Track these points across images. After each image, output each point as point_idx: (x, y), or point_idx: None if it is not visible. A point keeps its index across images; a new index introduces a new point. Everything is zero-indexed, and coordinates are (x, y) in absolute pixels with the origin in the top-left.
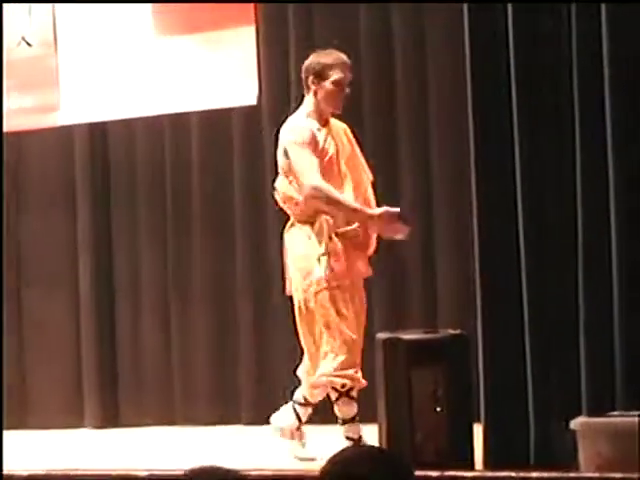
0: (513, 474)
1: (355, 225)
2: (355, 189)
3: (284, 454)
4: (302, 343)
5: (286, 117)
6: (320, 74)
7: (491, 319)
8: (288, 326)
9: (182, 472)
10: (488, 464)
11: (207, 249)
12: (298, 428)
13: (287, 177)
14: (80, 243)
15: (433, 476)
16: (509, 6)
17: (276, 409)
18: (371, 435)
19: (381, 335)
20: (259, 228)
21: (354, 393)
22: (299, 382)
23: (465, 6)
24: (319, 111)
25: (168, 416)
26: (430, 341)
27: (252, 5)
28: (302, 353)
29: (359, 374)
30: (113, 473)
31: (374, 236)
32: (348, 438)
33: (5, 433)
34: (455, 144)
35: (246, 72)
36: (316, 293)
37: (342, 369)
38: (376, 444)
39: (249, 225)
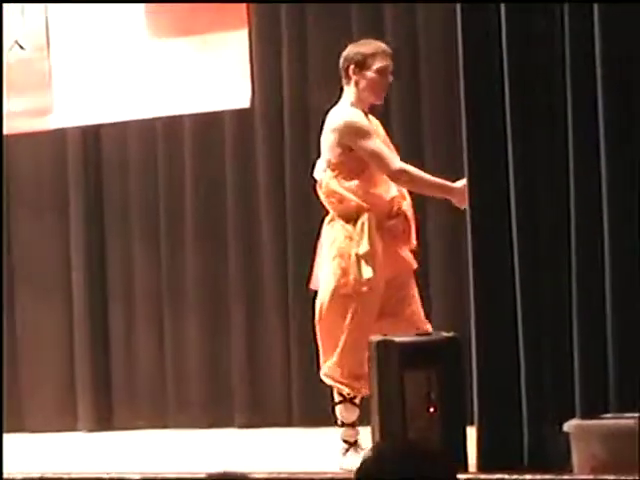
0: (507, 476)
1: (394, 221)
2: None
3: (278, 457)
4: (318, 339)
5: (281, 119)
6: (362, 63)
7: (484, 321)
8: (281, 329)
9: (174, 475)
10: (481, 466)
11: (200, 252)
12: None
13: (333, 171)
14: (73, 246)
15: None
16: (502, 6)
17: (269, 411)
18: (364, 437)
19: (374, 337)
20: (252, 231)
21: (357, 400)
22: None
23: (458, 6)
24: (360, 101)
25: (161, 419)
26: (423, 343)
27: (244, 6)
28: (318, 357)
29: (364, 383)
30: (106, 476)
31: (413, 229)
32: (345, 441)
33: None
34: (448, 144)
35: (239, 75)
36: (345, 294)
37: (349, 377)
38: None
39: (242, 228)
